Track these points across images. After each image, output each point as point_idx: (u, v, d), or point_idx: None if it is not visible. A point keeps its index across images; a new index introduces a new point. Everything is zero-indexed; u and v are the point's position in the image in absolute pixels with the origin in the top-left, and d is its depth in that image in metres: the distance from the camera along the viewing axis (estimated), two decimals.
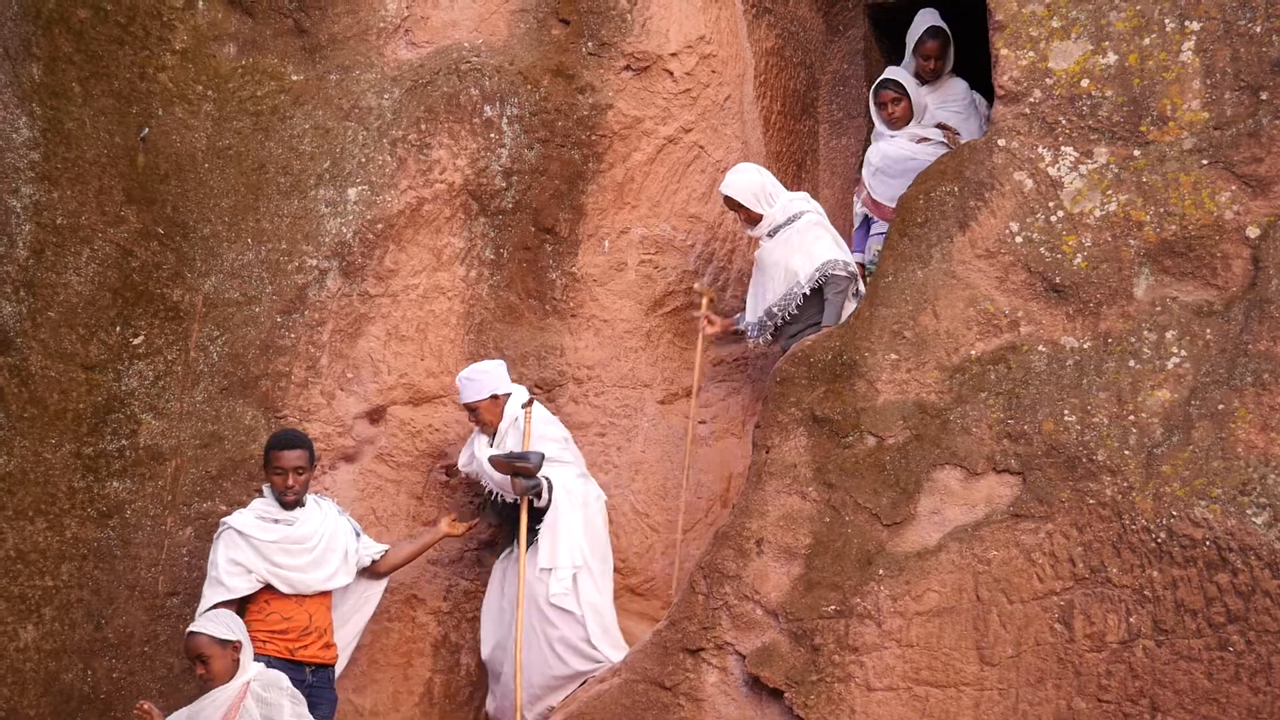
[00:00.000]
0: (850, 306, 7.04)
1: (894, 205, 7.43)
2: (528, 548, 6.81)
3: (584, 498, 6.93)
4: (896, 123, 7.68)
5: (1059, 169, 6.04)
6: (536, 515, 6.82)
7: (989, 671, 5.62)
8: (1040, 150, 6.09)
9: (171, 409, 6.91)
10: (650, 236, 7.56)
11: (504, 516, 7.11)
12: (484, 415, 6.98)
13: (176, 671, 6.63)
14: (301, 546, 6.45)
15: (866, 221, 7.81)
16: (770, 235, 7.23)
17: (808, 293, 7.08)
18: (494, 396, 6.97)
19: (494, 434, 7.01)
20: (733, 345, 7.65)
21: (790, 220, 7.19)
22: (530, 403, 6.98)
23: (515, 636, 6.70)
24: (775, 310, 7.16)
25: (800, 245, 7.13)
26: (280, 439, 6.62)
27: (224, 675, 5.75)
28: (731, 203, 7.30)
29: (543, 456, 6.75)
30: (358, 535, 6.70)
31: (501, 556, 7.10)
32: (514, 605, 6.80)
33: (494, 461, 6.78)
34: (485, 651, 7.01)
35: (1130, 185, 5.91)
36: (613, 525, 7.27)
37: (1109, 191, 5.93)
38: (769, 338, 7.25)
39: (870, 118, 7.89)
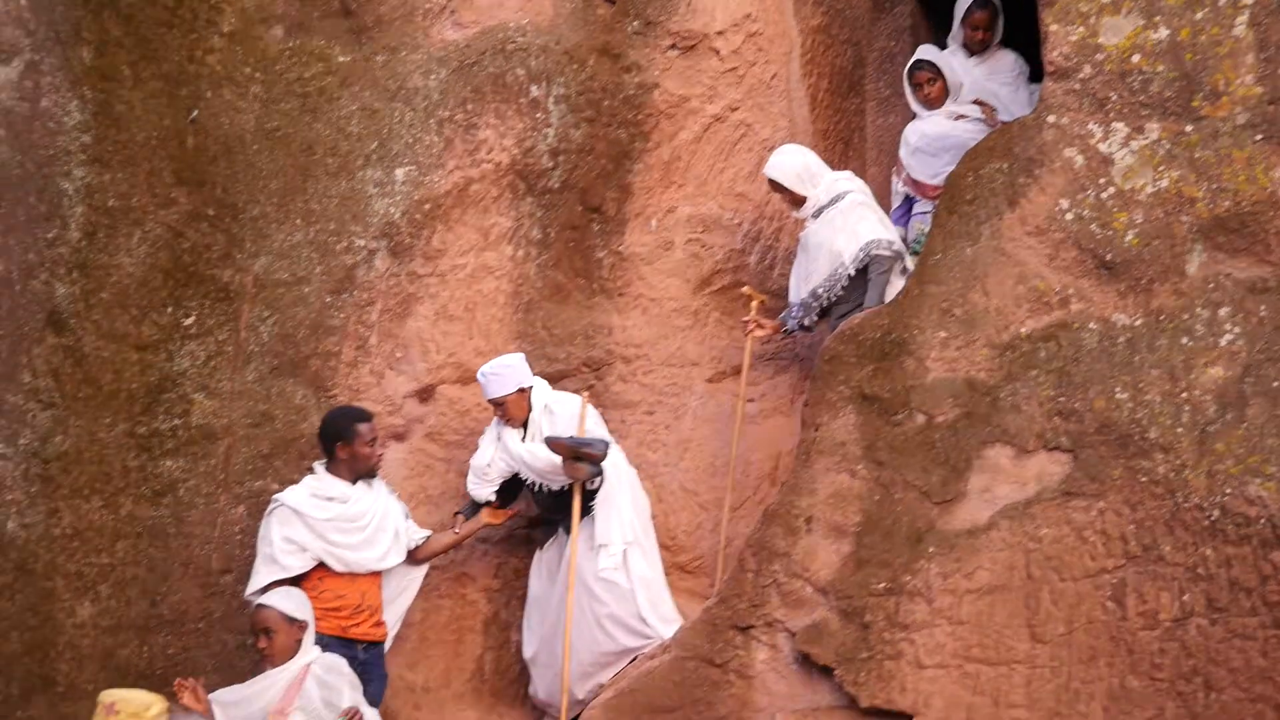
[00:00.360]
0: (897, 284, 7.02)
1: (935, 183, 7.43)
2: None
3: (630, 475, 6.95)
4: (933, 103, 7.63)
5: (1110, 145, 6.00)
6: (586, 496, 6.83)
7: (1040, 649, 5.61)
8: (1091, 126, 6.04)
9: (223, 388, 6.97)
10: (697, 215, 7.56)
11: (547, 505, 7.09)
12: (511, 410, 6.96)
13: (231, 647, 6.71)
14: (355, 525, 6.49)
15: (907, 201, 7.79)
16: (814, 216, 7.20)
17: (853, 273, 7.06)
18: (520, 389, 6.96)
19: (523, 427, 7.01)
20: (781, 341, 7.63)
21: (834, 200, 7.16)
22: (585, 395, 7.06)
23: (565, 614, 6.74)
24: (821, 292, 7.14)
25: (844, 226, 7.09)
26: (357, 412, 6.68)
27: (285, 654, 5.80)
28: (775, 185, 7.27)
29: (608, 445, 6.79)
30: (405, 517, 6.75)
31: (543, 547, 7.11)
32: (558, 598, 6.83)
33: (554, 444, 6.75)
34: (528, 650, 7.03)
35: (1182, 161, 5.86)
36: (661, 503, 7.29)
37: (1160, 168, 5.89)
38: (814, 319, 7.23)
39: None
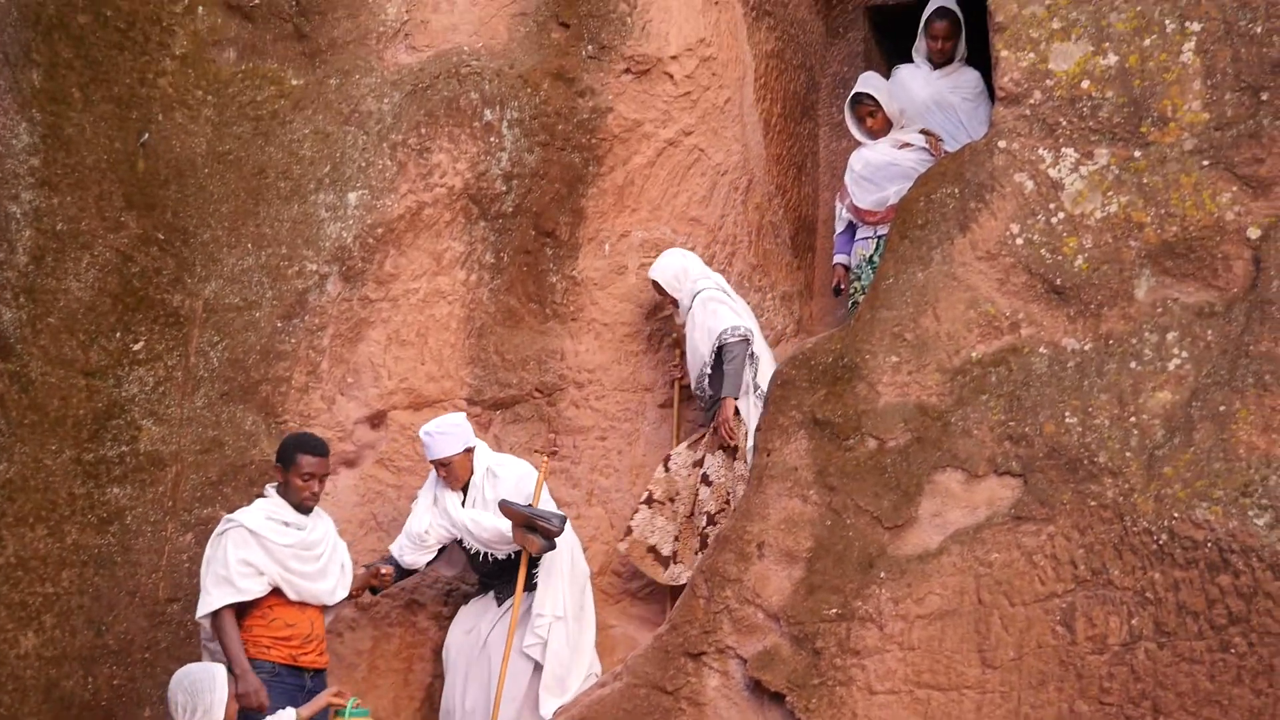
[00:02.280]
0: (752, 368, 7.11)
1: (877, 211, 7.55)
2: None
3: (572, 545, 6.83)
4: (876, 134, 7.70)
5: (1060, 170, 6.03)
6: (529, 565, 6.71)
7: (991, 674, 5.60)
8: (1041, 152, 6.07)
9: (172, 415, 6.91)
10: (651, 240, 7.55)
11: (486, 572, 6.91)
12: (457, 470, 6.79)
13: None
14: (310, 554, 6.40)
15: (851, 227, 7.81)
16: (686, 317, 7.29)
17: (710, 371, 7.14)
18: (467, 449, 6.81)
19: (464, 489, 6.85)
20: None
21: (692, 300, 7.23)
22: (546, 460, 6.92)
23: (497, 689, 6.61)
24: (696, 392, 7.24)
25: (700, 323, 7.18)
26: (308, 443, 6.52)
27: None
28: (658, 288, 7.36)
29: (564, 519, 6.65)
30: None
31: (474, 600, 6.94)
32: (480, 651, 6.74)
33: (508, 510, 6.58)
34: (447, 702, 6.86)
35: (1131, 186, 5.89)
36: (613, 529, 7.27)
37: (1110, 193, 5.92)
38: (709, 412, 7.27)
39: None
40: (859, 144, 7.80)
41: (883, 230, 7.41)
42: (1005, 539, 5.70)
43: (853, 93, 7.76)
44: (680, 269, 7.30)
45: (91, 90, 7.00)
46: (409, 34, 7.62)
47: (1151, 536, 5.47)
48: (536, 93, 7.47)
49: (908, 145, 7.62)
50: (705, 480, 7.06)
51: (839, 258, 7.83)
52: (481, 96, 7.44)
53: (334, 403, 7.14)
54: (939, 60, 7.89)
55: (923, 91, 7.80)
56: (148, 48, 7.21)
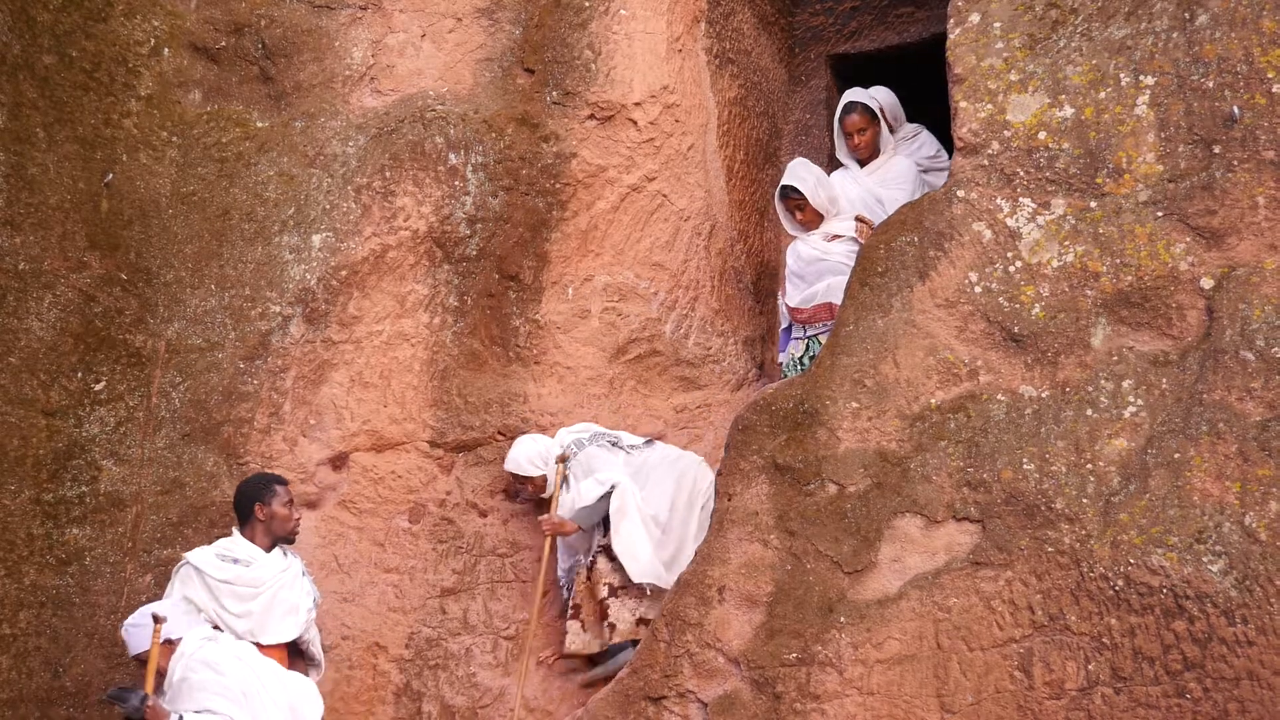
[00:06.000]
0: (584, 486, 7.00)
1: (804, 308, 7.34)
2: None
3: None
4: (809, 226, 7.45)
5: (1017, 220, 6.10)
6: None
7: (949, 719, 5.64)
8: (999, 201, 6.15)
9: (133, 455, 6.89)
10: (614, 284, 7.59)
11: None
12: (165, 661, 5.89)
13: None
14: (251, 589, 6.35)
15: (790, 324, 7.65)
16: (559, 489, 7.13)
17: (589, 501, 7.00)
18: (169, 641, 5.97)
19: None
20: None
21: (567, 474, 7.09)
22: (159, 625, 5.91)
23: None
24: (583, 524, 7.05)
25: (581, 491, 7.04)
26: (274, 476, 6.59)
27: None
28: (517, 479, 7.15)
29: (144, 699, 5.64)
30: (315, 603, 6.59)
31: None
32: None
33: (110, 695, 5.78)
34: None
35: (1087, 236, 5.97)
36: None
37: (1066, 242, 6.00)
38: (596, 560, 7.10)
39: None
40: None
41: (814, 330, 7.28)
42: (964, 584, 5.74)
43: (779, 185, 7.52)
44: (534, 452, 7.08)
45: (56, 130, 7.01)
46: (374, 78, 7.67)
47: (1108, 582, 5.52)
48: (501, 137, 7.53)
49: (837, 237, 7.39)
50: (605, 551, 6.91)
51: (780, 355, 7.64)
52: (446, 140, 7.48)
53: (296, 444, 7.14)
54: (863, 158, 7.66)
55: (853, 190, 7.58)
56: (113, 88, 7.23)
